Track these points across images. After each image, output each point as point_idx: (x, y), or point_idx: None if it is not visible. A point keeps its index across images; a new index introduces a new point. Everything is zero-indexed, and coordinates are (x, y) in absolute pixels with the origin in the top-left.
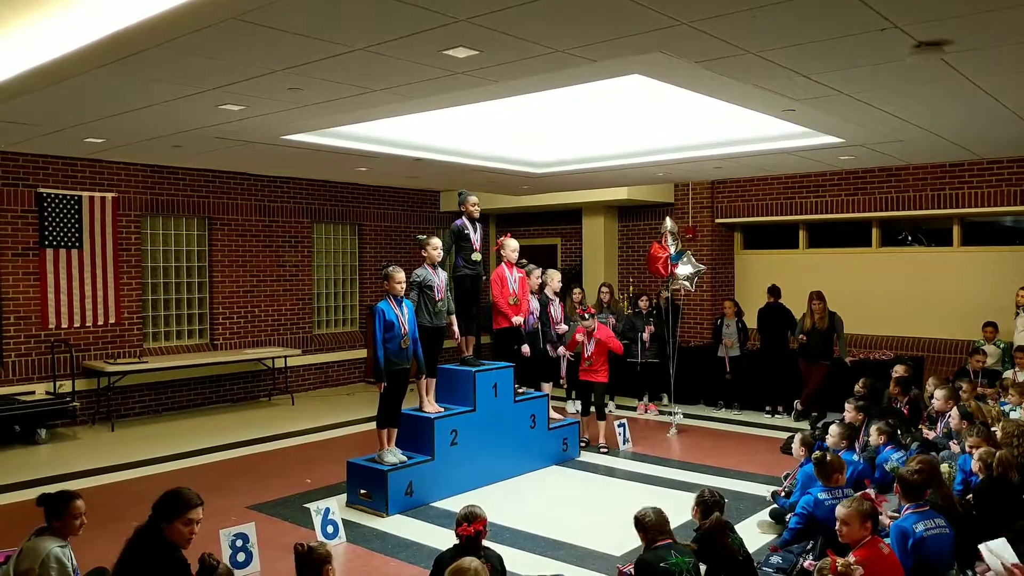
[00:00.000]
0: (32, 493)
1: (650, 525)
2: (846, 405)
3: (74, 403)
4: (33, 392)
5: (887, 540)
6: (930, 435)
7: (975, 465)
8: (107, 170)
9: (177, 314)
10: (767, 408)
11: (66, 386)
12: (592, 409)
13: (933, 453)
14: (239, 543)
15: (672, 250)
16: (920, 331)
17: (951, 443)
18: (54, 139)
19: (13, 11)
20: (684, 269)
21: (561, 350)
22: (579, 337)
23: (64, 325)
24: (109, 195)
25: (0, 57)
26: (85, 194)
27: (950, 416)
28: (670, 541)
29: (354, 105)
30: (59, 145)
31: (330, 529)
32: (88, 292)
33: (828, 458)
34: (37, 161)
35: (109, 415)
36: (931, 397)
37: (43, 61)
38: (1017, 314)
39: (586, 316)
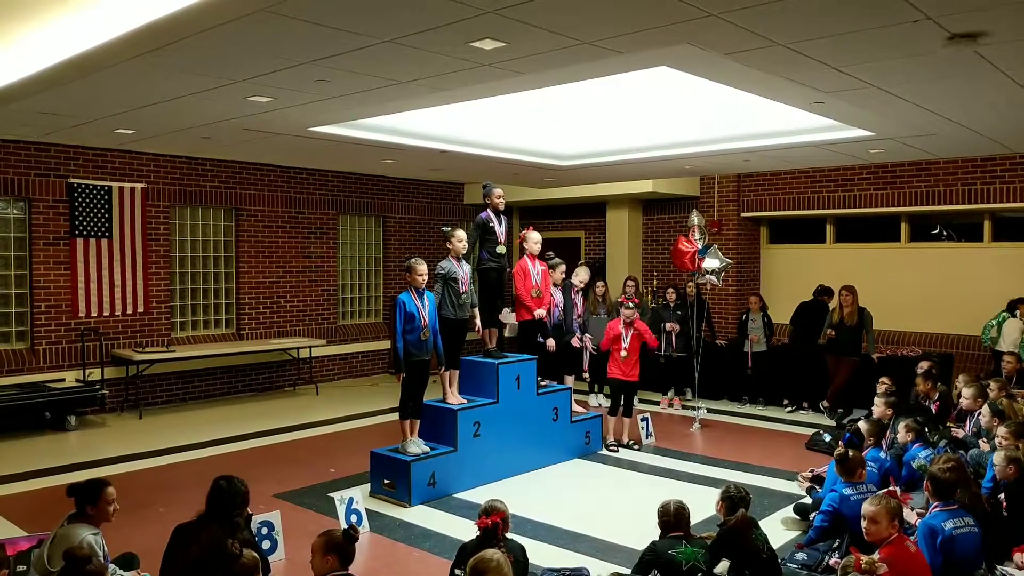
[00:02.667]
0: (62, 479)
1: (666, 517)
2: (876, 400)
3: (103, 391)
4: (63, 379)
5: (913, 538)
6: (959, 433)
7: (998, 468)
8: (137, 161)
9: (204, 304)
10: (785, 402)
11: (95, 374)
12: (620, 407)
13: (961, 451)
14: (264, 530)
15: (699, 244)
16: (949, 328)
17: (981, 441)
18: (85, 130)
19: (45, 3)
20: (711, 263)
21: (583, 341)
22: (622, 321)
23: (94, 314)
24: (138, 186)
25: (32, 49)
26: (115, 184)
27: (980, 414)
28: (682, 534)
29: (381, 97)
30: (90, 136)
31: (354, 518)
32: (117, 281)
33: (850, 454)
34: (68, 152)
35: (137, 403)
36: (959, 395)
37: (74, 53)
38: None
39: (629, 305)
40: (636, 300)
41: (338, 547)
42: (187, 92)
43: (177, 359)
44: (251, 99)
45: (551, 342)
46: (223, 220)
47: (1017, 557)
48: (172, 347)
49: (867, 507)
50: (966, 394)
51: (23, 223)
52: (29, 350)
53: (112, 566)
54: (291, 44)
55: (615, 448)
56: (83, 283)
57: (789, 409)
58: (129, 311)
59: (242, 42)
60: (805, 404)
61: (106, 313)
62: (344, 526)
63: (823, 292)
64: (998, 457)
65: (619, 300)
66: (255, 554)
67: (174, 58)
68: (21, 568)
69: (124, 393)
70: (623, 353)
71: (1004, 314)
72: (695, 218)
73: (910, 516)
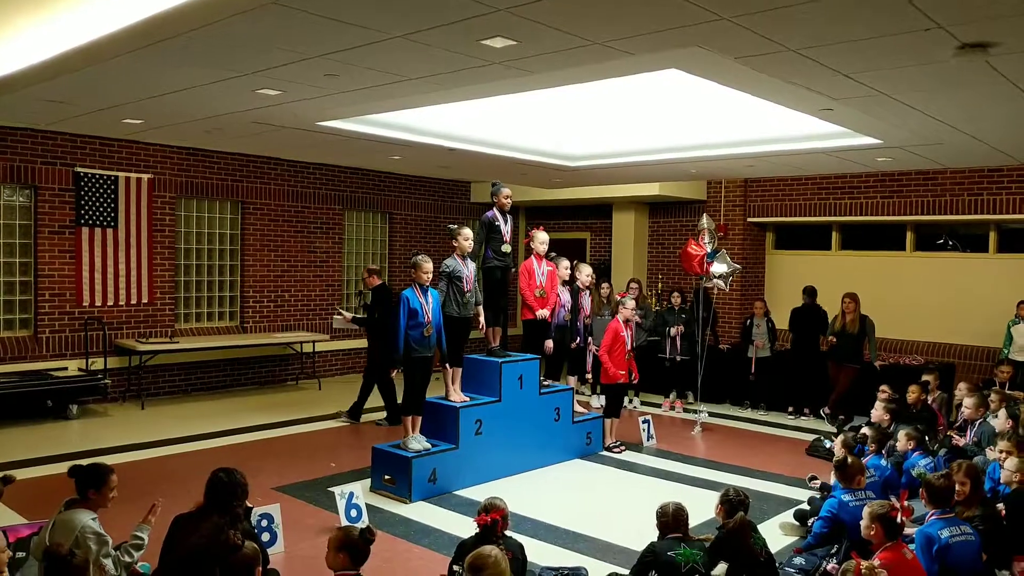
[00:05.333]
0: (62, 467)
1: (665, 519)
2: (876, 405)
3: (105, 380)
4: (66, 368)
5: (911, 546)
6: (960, 442)
7: (1005, 475)
8: (143, 151)
9: (208, 296)
10: (789, 409)
11: (98, 363)
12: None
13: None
14: (264, 523)
15: (708, 248)
16: (952, 337)
17: (988, 449)
18: (93, 119)
19: None
20: (719, 267)
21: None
22: (622, 319)
23: (98, 303)
24: (145, 176)
25: (43, 36)
26: (121, 174)
27: (988, 419)
28: (680, 535)
29: (390, 93)
30: (97, 125)
31: (353, 513)
32: (122, 271)
33: (848, 460)
34: (75, 141)
35: (139, 393)
36: (959, 405)
37: (84, 41)
38: None
39: (631, 297)
40: (635, 295)
41: (350, 546)
42: (196, 83)
43: (180, 350)
44: (260, 92)
45: (549, 343)
46: (229, 212)
47: (1017, 566)
48: (175, 338)
49: (867, 510)
50: (967, 403)
51: (29, 211)
52: (33, 338)
53: (114, 552)
54: (301, 37)
55: (620, 449)
56: (88, 272)
57: (794, 416)
58: (133, 301)
59: (252, 34)
60: (806, 410)
61: (110, 303)
62: (345, 522)
63: (808, 293)
64: (1011, 463)
65: (619, 296)
66: (255, 545)
67: (183, 49)
68: (21, 555)
69: (127, 383)
70: (628, 354)
71: (1011, 321)
72: (705, 222)
73: (911, 529)
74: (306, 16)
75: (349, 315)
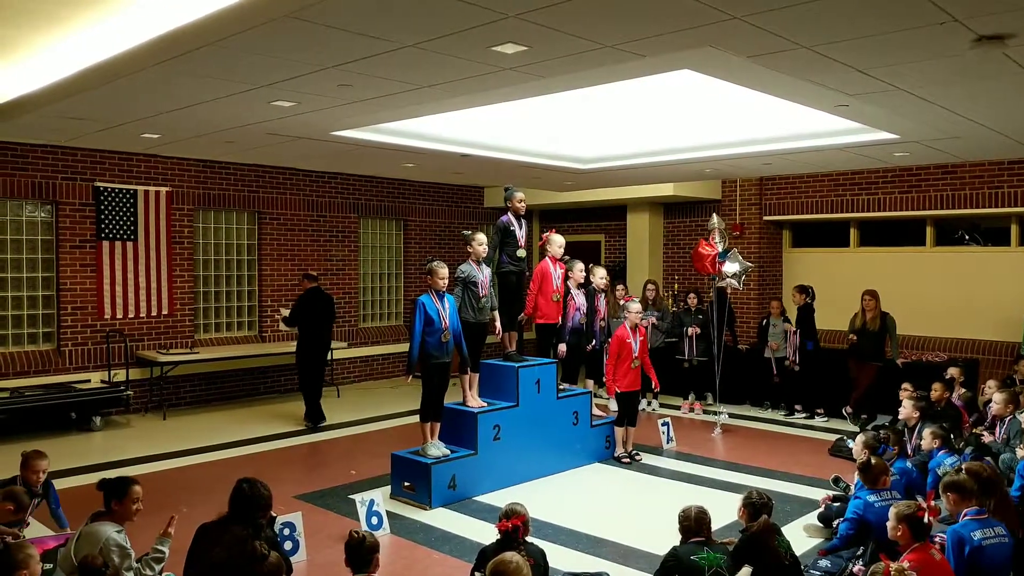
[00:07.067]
0: (87, 479)
1: (687, 523)
2: (904, 403)
3: (128, 392)
4: (89, 380)
5: (938, 541)
6: (987, 439)
7: None
8: (162, 165)
9: (227, 306)
10: (818, 411)
11: (120, 375)
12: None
13: (988, 458)
14: (286, 532)
15: (719, 248)
16: (975, 333)
17: (1019, 448)
18: (111, 134)
19: (74, 11)
20: (731, 267)
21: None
22: (628, 325)
23: (119, 316)
24: (163, 189)
25: (61, 55)
26: (140, 188)
27: (1021, 414)
28: (703, 539)
29: (402, 101)
30: (116, 140)
31: (374, 520)
32: (142, 284)
33: (872, 461)
34: (95, 156)
35: (161, 404)
36: (987, 402)
37: (102, 59)
38: None
39: (635, 301)
40: (633, 297)
41: (346, 547)
42: (212, 97)
43: (200, 360)
44: (275, 104)
45: (562, 347)
46: (246, 223)
47: None
48: (195, 349)
49: (894, 511)
50: (997, 399)
51: (50, 226)
52: (56, 351)
53: (136, 565)
54: (314, 49)
55: (628, 460)
56: (108, 285)
57: (824, 419)
58: (154, 313)
59: (266, 47)
60: (822, 410)
61: (131, 315)
62: (364, 527)
63: (802, 291)
64: None
65: (623, 301)
66: (278, 555)
67: (199, 64)
68: (48, 566)
69: (148, 394)
70: (635, 363)
71: None
72: (715, 221)
73: (939, 527)
74: (319, 28)
75: (285, 312)
